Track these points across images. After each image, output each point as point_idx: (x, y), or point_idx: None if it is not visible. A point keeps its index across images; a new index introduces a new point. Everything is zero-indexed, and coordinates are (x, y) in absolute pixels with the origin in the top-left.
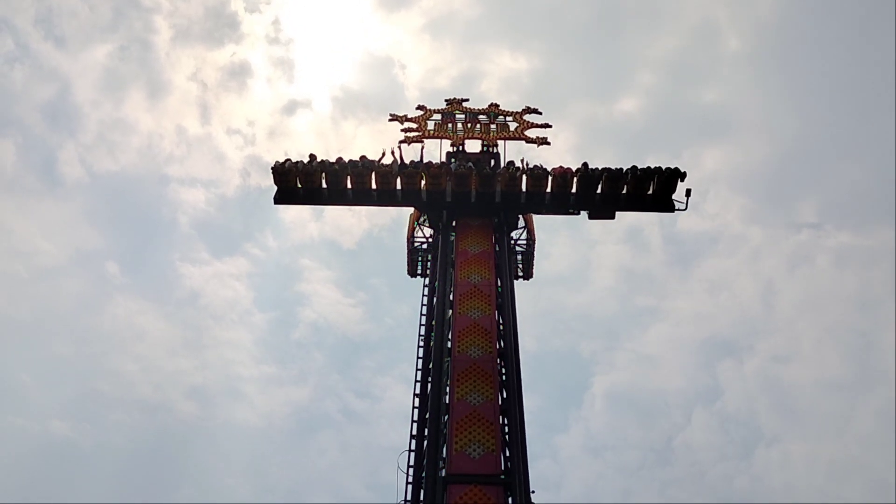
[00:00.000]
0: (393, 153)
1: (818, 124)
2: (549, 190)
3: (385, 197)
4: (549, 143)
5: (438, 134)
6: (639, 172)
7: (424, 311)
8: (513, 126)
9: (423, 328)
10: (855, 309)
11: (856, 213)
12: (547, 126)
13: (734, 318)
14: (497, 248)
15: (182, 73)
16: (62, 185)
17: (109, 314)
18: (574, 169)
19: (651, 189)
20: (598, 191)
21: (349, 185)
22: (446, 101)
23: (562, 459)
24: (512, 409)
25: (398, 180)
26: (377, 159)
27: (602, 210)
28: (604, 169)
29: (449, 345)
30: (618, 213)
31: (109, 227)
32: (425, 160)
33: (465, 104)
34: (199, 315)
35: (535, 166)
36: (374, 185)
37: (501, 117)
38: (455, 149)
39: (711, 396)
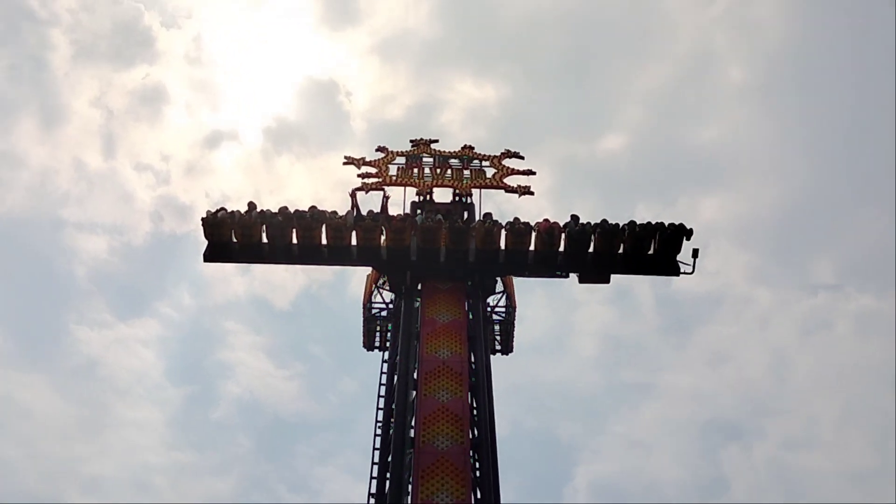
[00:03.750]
0: (353, 197)
1: (834, 167)
2: (532, 248)
3: (338, 255)
4: (532, 193)
5: (402, 181)
6: (637, 229)
7: (383, 393)
8: (490, 172)
9: (380, 413)
10: (881, 385)
11: (881, 273)
12: (530, 173)
13: (740, 396)
14: (471, 317)
15: (83, 97)
16: None
17: None
18: (562, 224)
19: (652, 248)
20: (591, 249)
21: (294, 240)
22: (411, 142)
23: None
24: None
25: (353, 235)
26: (330, 211)
27: (594, 272)
28: (597, 224)
29: (412, 434)
30: (612, 277)
31: None
32: (386, 211)
33: (433, 146)
34: (98, 389)
35: (516, 220)
36: (324, 241)
37: (477, 162)
38: (422, 198)
39: (716, 489)
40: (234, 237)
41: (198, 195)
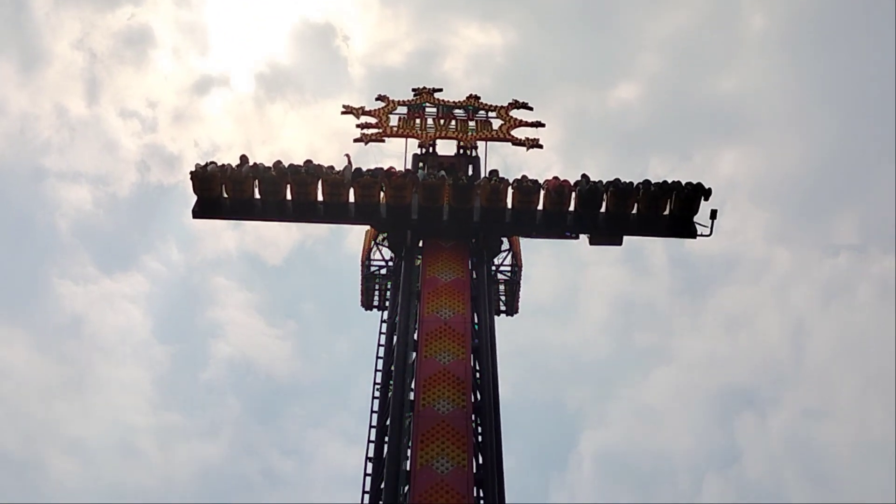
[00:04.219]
0: (348, 158)
1: (861, 121)
2: (540, 207)
3: (334, 212)
4: (541, 147)
5: (403, 131)
6: (653, 188)
7: (381, 354)
8: (496, 124)
9: (379, 374)
10: None
11: None
12: (539, 125)
13: (756, 363)
14: (474, 276)
15: (65, 39)
16: None
17: None
18: (572, 182)
19: (668, 209)
20: (602, 209)
21: (289, 196)
22: (414, 90)
23: None
24: (489, 478)
25: (351, 191)
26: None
27: (606, 233)
28: (609, 183)
29: (412, 396)
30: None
31: None
32: (386, 166)
33: (437, 95)
34: (81, 347)
35: (524, 177)
36: (320, 197)
37: (483, 112)
38: (424, 150)
39: (727, 459)
40: (225, 192)
41: (186, 144)
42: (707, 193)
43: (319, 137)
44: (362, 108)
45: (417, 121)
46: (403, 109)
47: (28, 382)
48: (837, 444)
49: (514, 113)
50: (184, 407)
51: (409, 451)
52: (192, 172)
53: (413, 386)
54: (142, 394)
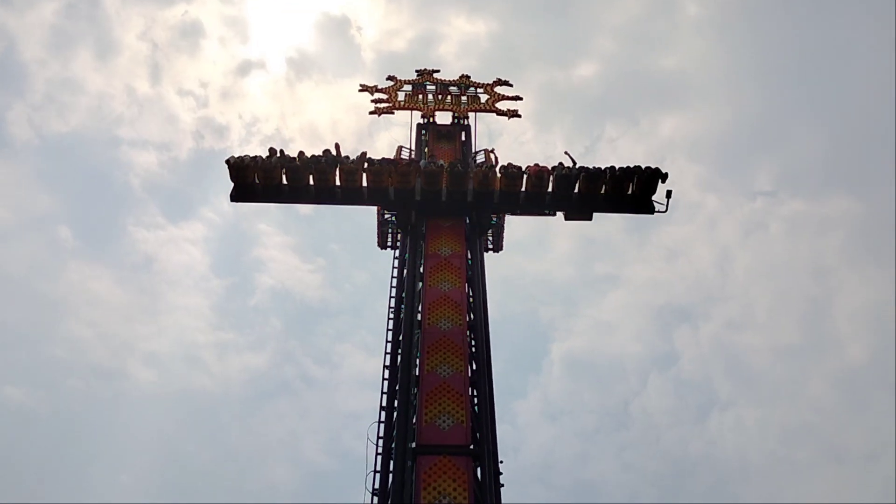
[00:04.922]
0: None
1: (778, 91)
2: (523, 189)
3: (350, 195)
4: (519, 116)
5: (409, 105)
6: (618, 172)
7: (394, 284)
8: (483, 98)
9: (393, 300)
10: (808, 276)
11: (811, 181)
12: (518, 98)
13: (690, 285)
14: (468, 221)
15: (132, 31)
16: (10, 146)
17: (62, 279)
18: (550, 167)
19: (630, 189)
20: (576, 190)
21: (311, 182)
22: (417, 71)
23: (520, 425)
24: (481, 381)
25: (364, 178)
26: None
27: (579, 211)
28: (580, 168)
29: (419, 317)
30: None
31: (60, 190)
32: (395, 134)
33: (435, 75)
34: (154, 280)
35: (510, 164)
36: (337, 182)
37: (472, 89)
38: (426, 120)
39: (667, 362)
40: (257, 179)
41: (232, 117)
42: (664, 177)
43: (339, 110)
44: (375, 86)
45: (420, 96)
46: (408, 87)
47: (113, 309)
48: (756, 349)
49: (498, 89)
50: (236, 326)
51: (417, 360)
52: (228, 162)
53: (420, 309)
54: (202, 317)
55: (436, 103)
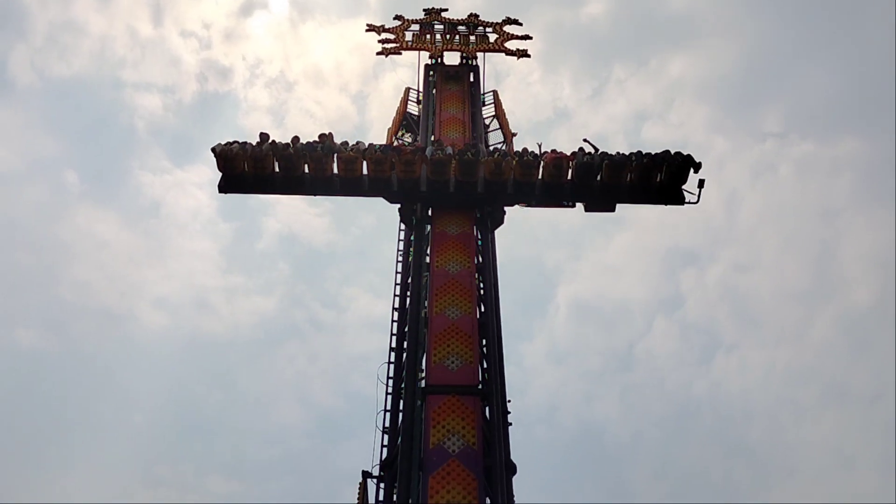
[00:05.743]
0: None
1: (788, 30)
2: (539, 178)
3: (349, 186)
4: (529, 56)
5: (416, 45)
6: (646, 160)
7: (403, 227)
8: (492, 37)
9: (401, 244)
10: (816, 219)
11: (821, 122)
12: (527, 38)
13: (697, 228)
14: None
15: None
16: (13, 89)
17: (70, 223)
18: (569, 153)
19: (659, 178)
20: (598, 178)
21: (306, 171)
22: (424, 10)
23: (526, 367)
24: (489, 322)
25: (364, 166)
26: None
27: (601, 202)
28: (603, 154)
29: (427, 260)
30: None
31: (65, 134)
32: (402, 75)
33: (443, 14)
34: (161, 224)
35: (525, 150)
36: (335, 171)
37: (481, 28)
38: (433, 60)
39: (673, 305)
40: (247, 168)
41: (236, 59)
42: (697, 166)
43: (343, 52)
44: (382, 26)
45: (428, 36)
46: (416, 27)
47: (121, 252)
48: (761, 292)
49: (507, 28)
50: (244, 270)
51: (426, 302)
52: (214, 150)
53: (429, 252)
54: (211, 260)
55: (444, 43)
